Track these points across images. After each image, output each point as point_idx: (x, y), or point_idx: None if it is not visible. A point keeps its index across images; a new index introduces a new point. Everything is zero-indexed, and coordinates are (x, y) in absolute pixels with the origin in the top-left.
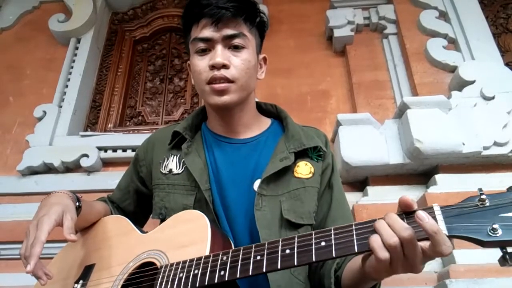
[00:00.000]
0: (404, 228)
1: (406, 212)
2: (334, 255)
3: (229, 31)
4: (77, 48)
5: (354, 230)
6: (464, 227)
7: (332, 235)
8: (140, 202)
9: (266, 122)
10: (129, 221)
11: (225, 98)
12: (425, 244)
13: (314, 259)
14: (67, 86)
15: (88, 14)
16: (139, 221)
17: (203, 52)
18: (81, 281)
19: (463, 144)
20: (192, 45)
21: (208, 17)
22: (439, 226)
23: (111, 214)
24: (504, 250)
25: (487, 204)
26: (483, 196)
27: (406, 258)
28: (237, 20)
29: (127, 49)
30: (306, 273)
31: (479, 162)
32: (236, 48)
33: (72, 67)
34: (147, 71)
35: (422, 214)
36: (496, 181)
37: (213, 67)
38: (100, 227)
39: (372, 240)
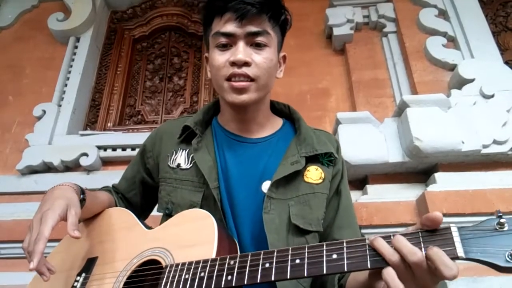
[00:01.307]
0: (412, 252)
1: (428, 229)
2: (345, 269)
3: (253, 28)
4: (76, 47)
5: (367, 245)
6: (481, 250)
7: (344, 249)
8: (145, 193)
9: (278, 122)
10: (133, 214)
11: (244, 97)
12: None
13: (325, 272)
14: (66, 85)
15: (87, 13)
16: (144, 212)
17: (224, 47)
18: (83, 274)
19: (463, 142)
20: (213, 39)
21: (233, 12)
22: (456, 247)
23: (116, 204)
24: None
25: (506, 228)
26: (502, 220)
27: (417, 278)
28: (261, 17)
29: (126, 48)
30: (310, 280)
31: (479, 160)
32: (259, 45)
33: (71, 66)
34: (146, 70)
35: (435, 251)
36: (496, 179)
37: (233, 63)
38: (104, 219)
39: (385, 273)
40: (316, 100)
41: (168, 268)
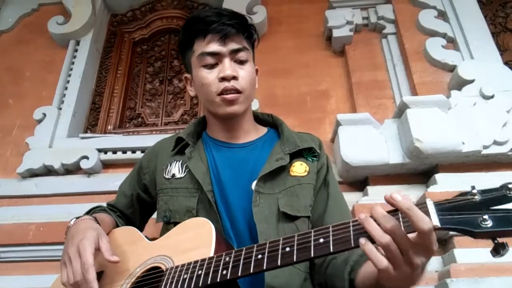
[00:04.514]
0: (388, 220)
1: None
2: (331, 251)
3: (235, 46)
4: (76, 50)
5: (351, 226)
6: (456, 219)
7: (330, 232)
8: (142, 209)
9: (263, 130)
10: (137, 230)
11: (235, 108)
12: (412, 235)
13: (312, 255)
14: (66, 88)
15: (87, 16)
16: (141, 227)
17: (211, 65)
18: None
19: (463, 143)
20: (198, 59)
21: (215, 33)
22: (432, 219)
23: (117, 224)
24: (496, 241)
25: (478, 198)
26: (475, 191)
27: (403, 254)
28: (240, 36)
29: (126, 50)
30: (306, 263)
31: (479, 161)
32: (241, 61)
33: (71, 69)
34: (146, 72)
35: (395, 195)
36: (496, 180)
37: (223, 79)
38: (111, 239)
39: (367, 249)
40: (316, 102)
41: (168, 271)
